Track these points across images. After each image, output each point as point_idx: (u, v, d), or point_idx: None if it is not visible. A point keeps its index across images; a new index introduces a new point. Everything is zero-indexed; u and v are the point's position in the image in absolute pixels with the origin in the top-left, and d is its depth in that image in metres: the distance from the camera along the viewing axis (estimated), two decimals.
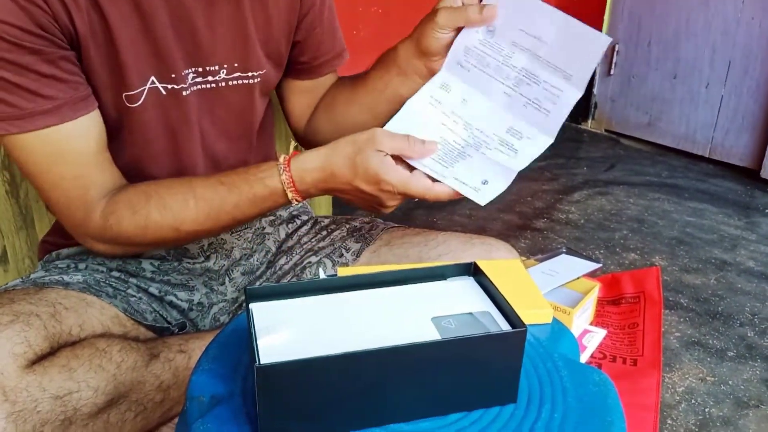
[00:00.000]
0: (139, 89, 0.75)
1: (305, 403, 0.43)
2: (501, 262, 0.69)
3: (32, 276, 0.80)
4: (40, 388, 0.63)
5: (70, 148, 0.72)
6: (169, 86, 0.77)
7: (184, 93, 0.79)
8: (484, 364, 0.48)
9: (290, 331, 0.48)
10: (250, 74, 0.84)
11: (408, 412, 0.47)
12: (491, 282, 0.54)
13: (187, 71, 0.78)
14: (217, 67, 0.81)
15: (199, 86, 0.80)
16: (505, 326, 0.50)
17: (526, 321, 0.55)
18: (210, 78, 0.81)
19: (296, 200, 0.75)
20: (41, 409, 0.63)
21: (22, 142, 0.70)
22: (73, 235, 0.79)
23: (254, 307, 0.50)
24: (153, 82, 0.76)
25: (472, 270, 0.57)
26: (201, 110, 0.82)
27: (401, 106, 0.81)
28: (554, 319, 0.62)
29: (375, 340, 0.48)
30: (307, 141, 1.00)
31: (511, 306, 0.50)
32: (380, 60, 0.89)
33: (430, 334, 0.49)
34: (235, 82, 0.83)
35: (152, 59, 0.75)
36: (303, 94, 0.98)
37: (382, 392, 0.46)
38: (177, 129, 0.81)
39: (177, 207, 0.75)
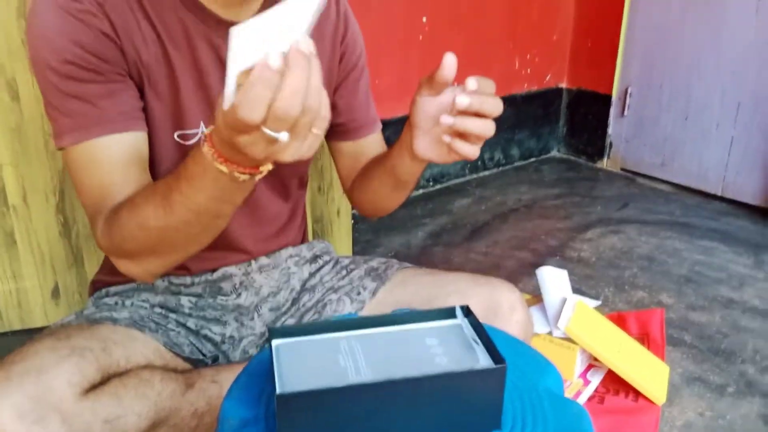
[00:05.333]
0: (193, 131, 0.85)
1: (318, 426, 0.52)
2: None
3: (85, 312, 0.90)
4: (93, 413, 0.72)
5: (108, 158, 0.78)
6: None
7: None
8: (470, 395, 0.56)
9: (306, 365, 0.57)
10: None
11: None
12: (479, 323, 0.63)
13: None
14: None
15: None
16: (489, 363, 0.58)
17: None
18: None
19: (217, 160, 0.63)
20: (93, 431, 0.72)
21: (72, 153, 0.79)
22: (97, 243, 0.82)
23: (276, 343, 0.59)
24: (203, 129, 0.85)
25: (465, 312, 0.66)
26: None
27: (397, 179, 0.89)
28: (540, 355, 0.70)
29: (380, 373, 0.57)
30: (351, 200, 1.09)
31: (494, 345, 0.59)
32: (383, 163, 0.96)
33: (426, 368, 0.58)
34: None
35: (205, 107, 0.85)
36: (346, 156, 1.06)
37: (384, 418, 0.54)
38: None
39: (140, 202, 0.74)
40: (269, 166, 0.66)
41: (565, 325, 1.16)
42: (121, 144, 0.79)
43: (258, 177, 0.66)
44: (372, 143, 1.07)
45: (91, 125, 0.78)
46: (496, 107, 0.74)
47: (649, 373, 1.18)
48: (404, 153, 0.85)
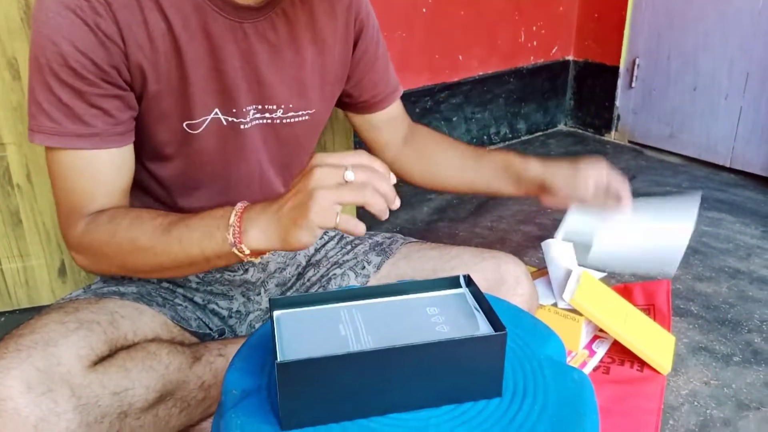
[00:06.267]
0: (201, 119, 0.85)
1: (319, 394, 0.53)
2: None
3: (93, 287, 0.92)
4: (101, 385, 0.74)
5: (92, 169, 0.80)
6: (230, 119, 0.87)
7: (242, 126, 0.88)
8: (471, 363, 0.57)
9: (307, 334, 0.57)
10: (301, 113, 0.93)
11: (407, 404, 0.56)
12: (481, 292, 0.63)
13: (248, 107, 0.88)
14: (275, 106, 0.90)
15: (258, 121, 0.90)
16: (489, 330, 0.59)
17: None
18: (267, 115, 0.90)
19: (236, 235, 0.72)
20: (102, 403, 0.73)
21: (54, 153, 0.80)
22: (64, 242, 0.87)
23: (277, 314, 0.60)
24: (216, 113, 0.85)
25: (467, 281, 0.66)
26: (258, 142, 0.91)
27: (515, 184, 1.08)
28: (541, 323, 0.71)
29: (380, 341, 0.57)
30: (403, 169, 1.15)
31: (495, 313, 0.59)
32: (503, 159, 1.10)
33: (426, 336, 0.58)
34: (288, 120, 0.93)
35: (219, 95, 0.85)
36: (375, 129, 1.10)
37: (385, 386, 0.55)
38: (232, 157, 0.90)
39: (144, 223, 0.79)
40: (264, 258, 0.77)
41: (570, 296, 1.16)
42: (105, 156, 0.80)
43: (251, 260, 0.77)
44: (396, 108, 1.11)
45: (73, 137, 0.78)
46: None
47: (655, 343, 1.19)
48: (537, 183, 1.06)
